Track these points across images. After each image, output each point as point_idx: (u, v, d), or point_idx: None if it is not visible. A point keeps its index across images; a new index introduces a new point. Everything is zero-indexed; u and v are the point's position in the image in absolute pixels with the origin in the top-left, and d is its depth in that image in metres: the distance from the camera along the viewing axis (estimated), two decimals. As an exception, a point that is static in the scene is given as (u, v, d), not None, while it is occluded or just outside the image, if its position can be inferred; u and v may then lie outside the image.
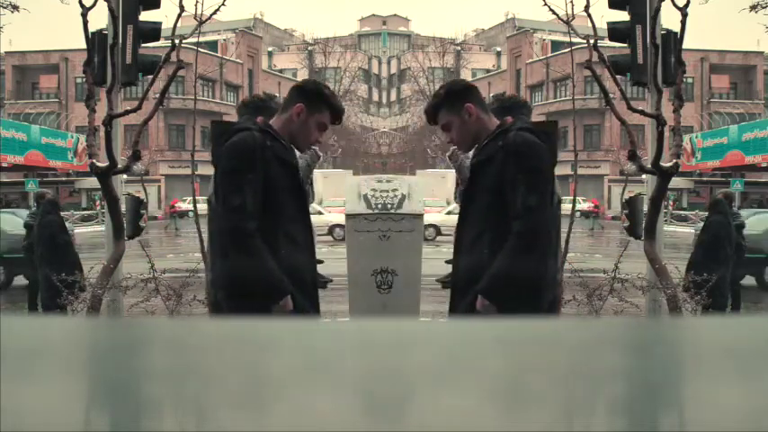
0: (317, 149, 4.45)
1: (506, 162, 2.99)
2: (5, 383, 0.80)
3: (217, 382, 0.85)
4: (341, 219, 28.20)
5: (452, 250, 3.27)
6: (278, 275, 2.91)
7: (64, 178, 39.99)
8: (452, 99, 3.17)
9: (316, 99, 3.12)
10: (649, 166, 6.57)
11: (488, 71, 66.14)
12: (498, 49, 68.62)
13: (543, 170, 3.07)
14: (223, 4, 8.09)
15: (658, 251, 6.95)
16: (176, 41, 7.04)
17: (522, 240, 2.95)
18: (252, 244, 2.90)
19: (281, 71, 65.19)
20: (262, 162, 2.96)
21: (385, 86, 71.76)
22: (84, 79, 7.58)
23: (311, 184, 4.29)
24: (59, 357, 0.98)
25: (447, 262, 4.05)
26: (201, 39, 8.98)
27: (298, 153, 4.27)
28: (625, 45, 7.67)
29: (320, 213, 26.89)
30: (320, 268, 3.62)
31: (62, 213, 10.47)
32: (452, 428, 0.69)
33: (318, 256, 3.58)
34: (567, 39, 9.12)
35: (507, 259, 2.95)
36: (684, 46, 7.15)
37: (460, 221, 3.21)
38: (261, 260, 2.89)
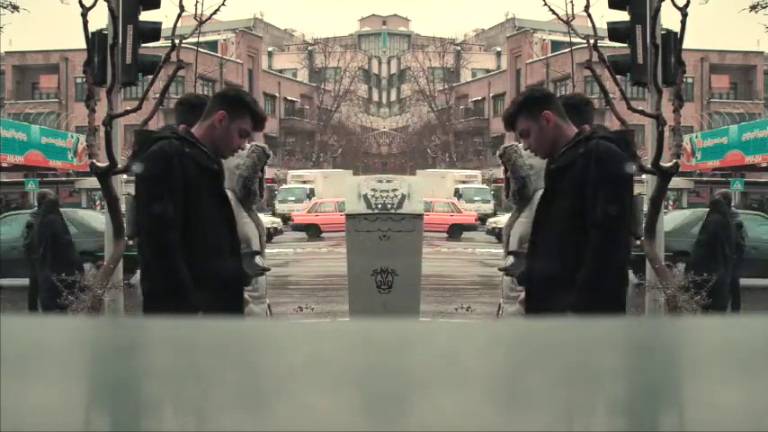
0: (265, 147, 4.49)
1: (587, 170, 3.05)
2: (5, 383, 0.80)
3: (217, 382, 0.85)
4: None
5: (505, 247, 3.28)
6: (189, 297, 2.97)
7: (64, 178, 39.97)
8: (530, 106, 3.22)
9: (238, 106, 3.18)
10: (649, 166, 6.57)
11: (488, 71, 66.14)
12: (498, 49, 68.60)
13: (624, 179, 3.16)
14: (223, 4, 8.10)
15: (658, 251, 6.95)
16: (176, 41, 7.04)
17: (602, 251, 3.03)
18: (170, 257, 2.97)
19: (280, 71, 65.21)
20: (180, 170, 3.01)
21: (385, 86, 71.75)
22: (84, 79, 7.58)
23: (260, 181, 4.34)
24: (59, 357, 0.98)
25: (509, 253, 4.10)
26: (201, 39, 8.99)
27: (246, 151, 4.34)
28: (625, 45, 7.67)
29: None
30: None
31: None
32: (452, 428, 0.69)
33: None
34: (567, 39, 9.13)
35: (591, 272, 3.01)
36: (684, 46, 7.14)
37: (537, 224, 3.25)
38: (175, 276, 2.96)
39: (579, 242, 3.04)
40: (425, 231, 27.32)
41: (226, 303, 3.12)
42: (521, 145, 4.48)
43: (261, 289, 4.29)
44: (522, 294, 3.57)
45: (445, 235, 28.54)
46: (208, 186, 3.09)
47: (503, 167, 4.48)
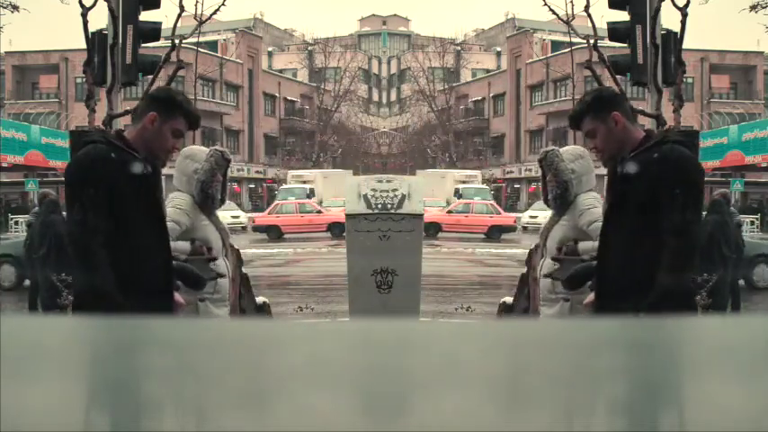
0: (225, 151, 4.49)
1: (663, 175, 3.03)
2: (5, 383, 0.80)
3: (217, 382, 0.85)
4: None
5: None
6: (112, 299, 2.96)
7: (64, 178, 39.98)
8: (599, 106, 3.19)
9: (169, 106, 3.17)
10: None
11: (488, 71, 66.16)
12: (498, 49, 68.62)
13: (699, 184, 3.15)
14: (223, 4, 8.13)
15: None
16: (176, 41, 7.05)
17: (680, 257, 3.03)
18: (93, 260, 2.97)
19: (280, 71, 65.22)
20: (105, 175, 3.00)
21: (385, 86, 71.79)
22: (84, 79, 7.59)
23: (223, 186, 4.36)
24: (59, 357, 0.98)
25: (553, 260, 4.11)
26: (201, 39, 9.00)
27: (204, 156, 4.35)
28: (625, 45, 7.67)
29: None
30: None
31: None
32: (452, 428, 0.69)
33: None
34: (567, 39, 9.14)
35: (669, 278, 3.02)
36: (684, 46, 7.16)
37: (606, 229, 3.26)
38: (99, 280, 2.96)
39: (652, 246, 3.04)
40: (464, 233, 26.70)
41: (155, 306, 3.11)
42: (563, 149, 4.50)
43: (222, 291, 4.31)
44: (591, 296, 3.59)
45: (483, 236, 27.92)
46: (136, 190, 3.07)
47: (541, 172, 4.49)
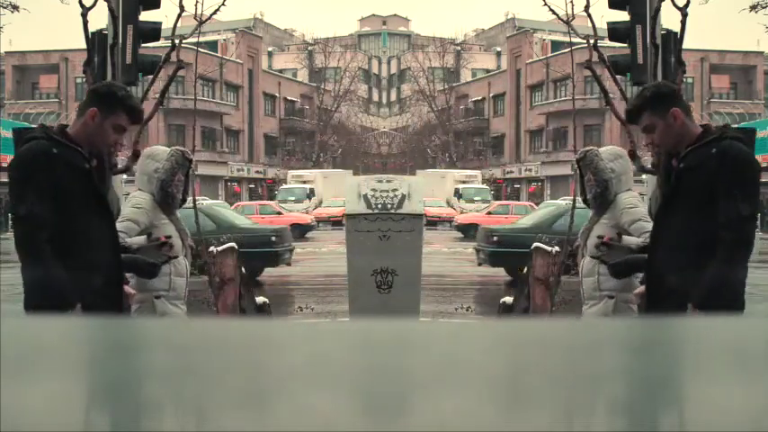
0: (185, 151, 4.49)
1: (721, 171, 3.05)
2: (5, 383, 0.80)
3: (217, 382, 0.85)
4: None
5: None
6: (64, 288, 2.98)
7: (64, 178, 39.96)
8: (658, 102, 3.22)
9: (109, 102, 3.18)
10: (649, 166, 6.57)
11: (488, 71, 66.16)
12: (498, 49, 68.61)
13: (756, 181, 3.19)
14: (223, 4, 8.12)
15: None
16: (176, 41, 7.05)
17: (734, 251, 3.06)
18: (39, 255, 2.99)
19: (281, 71, 65.22)
20: (47, 171, 3.01)
21: (385, 86, 71.82)
22: (84, 79, 7.59)
23: (185, 187, 4.37)
24: (59, 357, 0.98)
25: (604, 244, 4.13)
26: (201, 39, 9.00)
27: (165, 155, 4.35)
28: (625, 45, 7.67)
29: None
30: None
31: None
32: (452, 428, 0.69)
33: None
34: (567, 39, 9.14)
35: (722, 271, 3.04)
36: (684, 46, 7.16)
37: (658, 222, 3.29)
38: (48, 271, 2.97)
39: (704, 240, 3.07)
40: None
41: (105, 299, 3.14)
42: (602, 149, 4.53)
43: (179, 290, 4.31)
44: (641, 288, 3.61)
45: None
46: (80, 185, 3.09)
47: (579, 172, 4.51)
